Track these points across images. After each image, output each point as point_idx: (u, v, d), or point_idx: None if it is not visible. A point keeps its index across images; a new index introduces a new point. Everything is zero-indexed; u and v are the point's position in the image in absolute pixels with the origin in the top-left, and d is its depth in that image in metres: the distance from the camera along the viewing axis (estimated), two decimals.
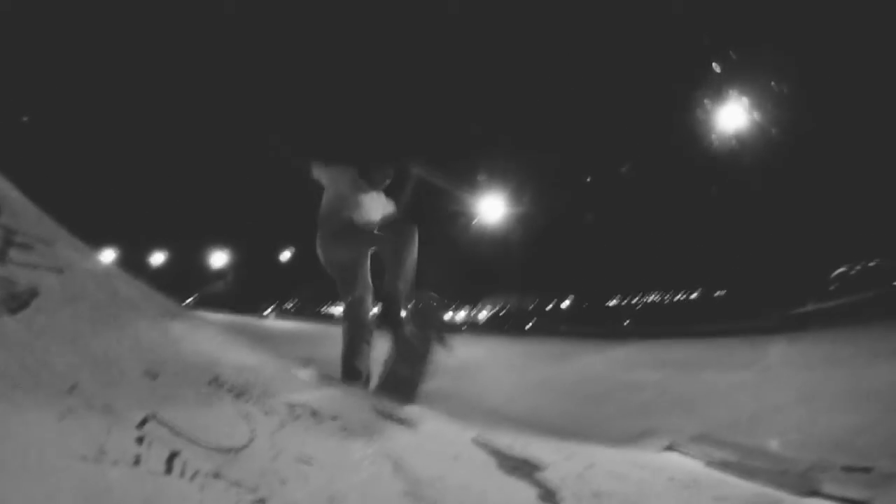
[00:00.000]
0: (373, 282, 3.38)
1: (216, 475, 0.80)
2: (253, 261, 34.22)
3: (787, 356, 7.60)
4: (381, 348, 3.40)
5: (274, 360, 2.05)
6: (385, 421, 2.09)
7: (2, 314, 0.92)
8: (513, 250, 22.19)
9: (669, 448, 2.71)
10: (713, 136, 15.36)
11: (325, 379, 2.68)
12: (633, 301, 32.89)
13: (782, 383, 5.22)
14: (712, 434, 2.92)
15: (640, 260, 26.51)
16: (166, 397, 0.98)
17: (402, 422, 2.18)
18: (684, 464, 2.46)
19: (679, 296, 34.44)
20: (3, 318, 0.91)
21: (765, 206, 17.70)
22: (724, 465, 2.37)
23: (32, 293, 1.06)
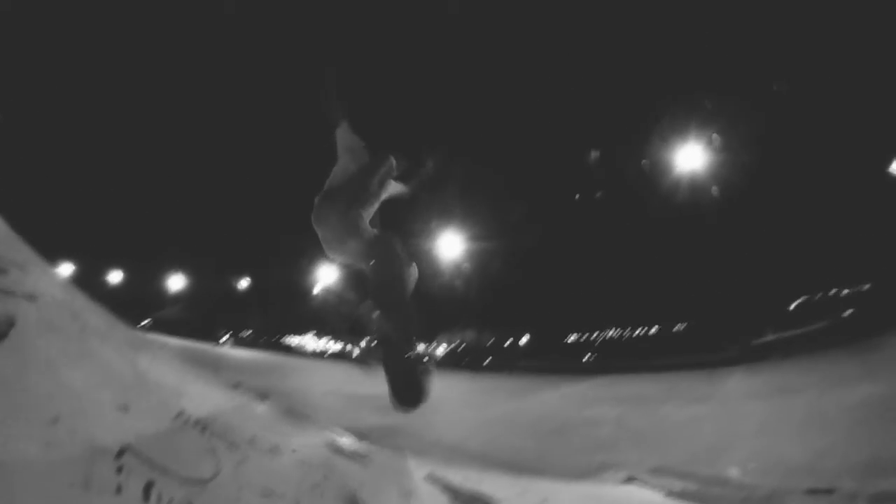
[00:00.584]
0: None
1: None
2: (210, 286, 33.03)
3: (746, 387, 7.84)
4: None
5: (233, 393, 2.07)
6: (340, 456, 2.13)
7: None
8: (471, 285, 22.39)
9: (628, 481, 2.70)
10: (673, 172, 16.25)
11: (282, 413, 2.69)
12: (592, 337, 33.38)
13: (742, 414, 5.33)
14: (672, 466, 2.93)
15: (600, 295, 27.08)
16: (138, 430, 1.04)
17: (356, 457, 2.22)
18: (643, 496, 2.46)
19: (638, 331, 35.17)
20: None
21: (724, 237, 18.48)
22: (684, 495, 2.37)
23: (10, 323, 1.10)
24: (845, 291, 21.00)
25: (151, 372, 1.46)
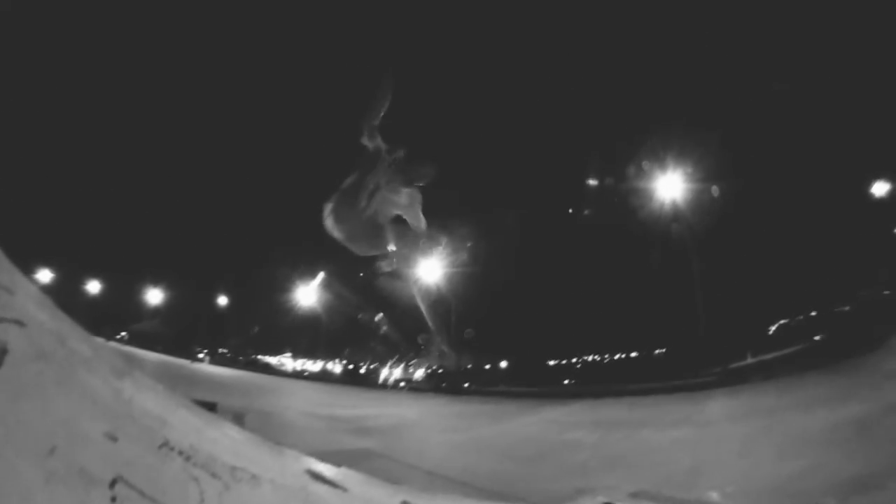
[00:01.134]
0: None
1: None
2: (189, 301, 32.55)
3: (725, 410, 7.95)
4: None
5: (214, 419, 2.09)
6: (318, 483, 2.15)
7: None
8: (452, 308, 22.45)
9: None
10: (653, 200, 16.67)
11: (261, 440, 2.69)
12: (572, 361, 33.52)
13: (721, 436, 5.47)
14: (650, 490, 2.89)
15: (580, 319, 27.33)
16: (128, 460, 1.08)
17: (334, 485, 2.24)
18: None
19: (618, 355, 35.46)
20: None
21: (702, 261, 18.86)
22: None
23: (3, 351, 1.13)
24: (824, 313, 21.56)
25: (136, 398, 1.48)
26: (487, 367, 26.66)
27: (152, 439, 1.30)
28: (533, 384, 22.20)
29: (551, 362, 29.93)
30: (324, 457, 3.15)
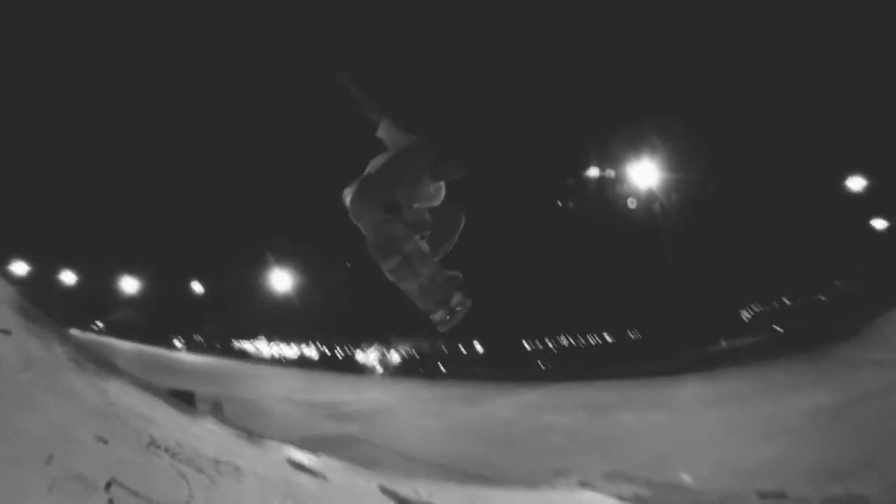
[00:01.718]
0: None
1: None
2: (164, 290, 32.01)
3: (699, 394, 7.82)
4: None
5: (195, 414, 2.15)
6: (299, 472, 2.24)
7: None
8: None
9: (581, 486, 2.72)
10: (630, 186, 16.90)
11: (241, 432, 2.77)
12: (549, 344, 34.18)
13: (694, 420, 5.42)
14: (625, 471, 2.96)
15: (555, 304, 27.80)
16: (119, 461, 1.16)
17: (314, 473, 2.34)
18: (596, 501, 2.50)
19: (593, 339, 36.26)
20: None
21: (678, 248, 19.08)
22: (637, 500, 2.42)
23: None
24: (798, 302, 22.38)
25: (121, 399, 1.54)
26: (464, 351, 27.00)
27: (139, 439, 1.38)
28: (509, 368, 22.60)
29: (527, 346, 30.46)
30: (303, 443, 3.23)
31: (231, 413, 3.44)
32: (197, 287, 32.26)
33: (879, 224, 21.72)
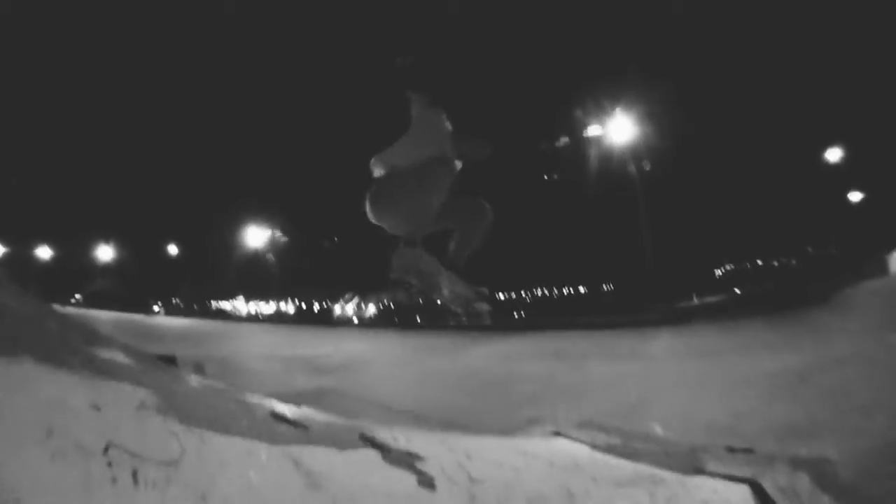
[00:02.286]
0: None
1: (168, 482, 1.13)
2: (138, 256, 31.51)
3: (670, 347, 8.12)
4: None
5: (179, 374, 2.26)
6: (282, 424, 2.39)
7: None
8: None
9: (555, 435, 2.79)
10: (606, 141, 16.95)
11: (224, 387, 2.90)
12: (523, 294, 35.06)
13: (666, 372, 5.64)
14: (597, 421, 3.03)
15: (531, 254, 28.29)
16: (114, 426, 1.27)
17: (295, 424, 2.50)
18: (569, 448, 2.56)
19: (566, 290, 37.29)
20: None
21: (655, 205, 19.45)
22: (609, 449, 2.47)
23: None
24: (771, 264, 23.36)
25: (109, 366, 1.63)
26: (439, 302, 27.60)
27: (130, 402, 1.48)
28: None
29: (501, 297, 31.22)
30: (284, 398, 3.38)
31: (213, 373, 3.55)
32: (172, 249, 31.71)
33: (855, 196, 22.50)
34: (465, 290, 2.86)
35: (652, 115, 16.68)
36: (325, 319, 33.25)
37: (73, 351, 1.58)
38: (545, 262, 30.79)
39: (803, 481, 1.89)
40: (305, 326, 25.09)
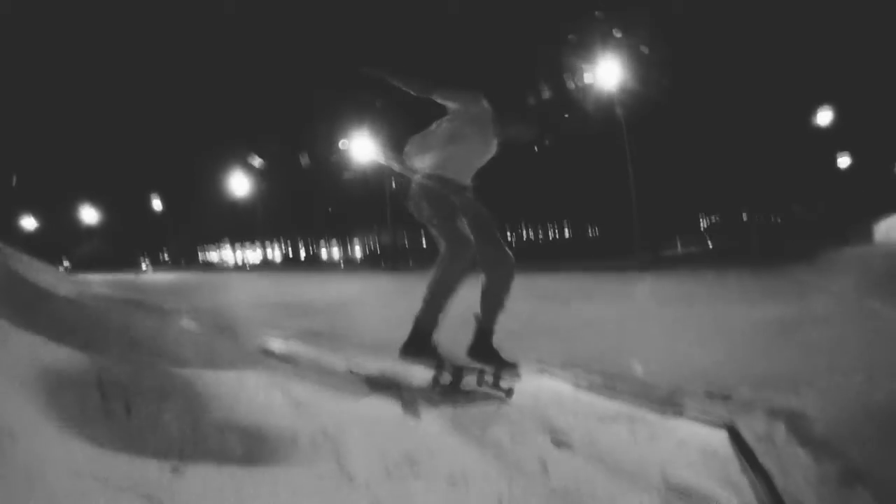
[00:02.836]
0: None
1: (160, 412, 1.23)
2: (122, 215, 30.83)
3: (652, 292, 8.23)
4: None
5: (170, 317, 2.32)
6: (271, 358, 2.49)
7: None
8: (388, 186, 22.52)
9: (540, 372, 2.86)
10: (598, 88, 16.43)
11: (215, 328, 3.00)
12: (509, 237, 35.26)
13: (648, 316, 5.64)
14: (580, 360, 3.10)
15: (518, 196, 28.20)
16: (105, 363, 1.35)
17: (286, 358, 2.60)
18: (554, 386, 2.63)
19: (552, 232, 37.53)
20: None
21: (644, 153, 19.09)
22: (591, 388, 2.55)
23: None
24: (756, 219, 23.42)
25: (97, 308, 1.68)
26: (425, 245, 27.77)
27: (121, 341, 1.56)
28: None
29: None
30: (275, 337, 3.48)
31: (203, 321, 3.63)
32: (156, 204, 30.96)
33: (844, 161, 22.18)
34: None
35: (643, 64, 16.13)
36: (313, 264, 33.41)
37: (65, 297, 1.63)
38: (531, 206, 30.70)
39: (780, 431, 1.95)
40: (293, 272, 25.08)
